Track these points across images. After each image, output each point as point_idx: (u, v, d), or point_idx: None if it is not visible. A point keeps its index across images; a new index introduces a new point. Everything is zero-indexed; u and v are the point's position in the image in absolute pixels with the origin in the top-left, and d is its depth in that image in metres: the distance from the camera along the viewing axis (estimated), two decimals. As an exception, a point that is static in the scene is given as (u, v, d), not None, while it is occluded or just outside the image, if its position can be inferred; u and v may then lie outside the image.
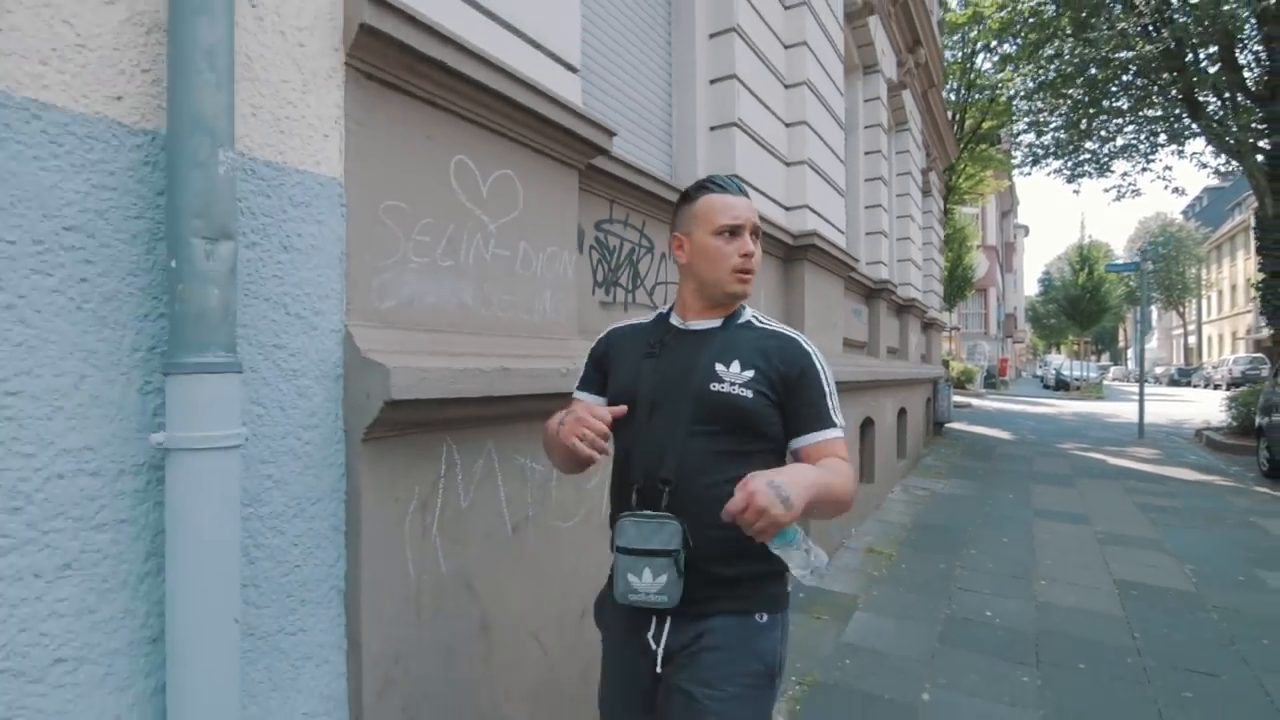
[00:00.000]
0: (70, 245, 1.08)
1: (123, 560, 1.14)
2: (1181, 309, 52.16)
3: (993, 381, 27.52)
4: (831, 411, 1.22)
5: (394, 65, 1.57)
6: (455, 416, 1.65)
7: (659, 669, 1.19)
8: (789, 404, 1.21)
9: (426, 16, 1.56)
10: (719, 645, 1.16)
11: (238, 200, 1.24)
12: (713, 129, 3.49)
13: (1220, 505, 6.39)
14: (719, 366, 1.20)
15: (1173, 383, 38.94)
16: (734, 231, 1.24)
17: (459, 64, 1.66)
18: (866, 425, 5.60)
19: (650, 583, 1.14)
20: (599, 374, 1.38)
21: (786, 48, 4.16)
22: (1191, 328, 51.58)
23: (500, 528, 1.85)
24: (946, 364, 13.76)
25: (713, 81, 3.50)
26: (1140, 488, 7.17)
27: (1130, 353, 59.52)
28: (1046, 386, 31.10)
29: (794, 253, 4.06)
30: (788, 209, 4.13)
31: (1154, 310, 59.34)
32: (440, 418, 1.61)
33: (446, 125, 1.74)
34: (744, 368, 1.20)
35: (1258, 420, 8.59)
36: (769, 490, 0.97)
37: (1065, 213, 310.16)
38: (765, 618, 1.20)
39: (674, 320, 1.33)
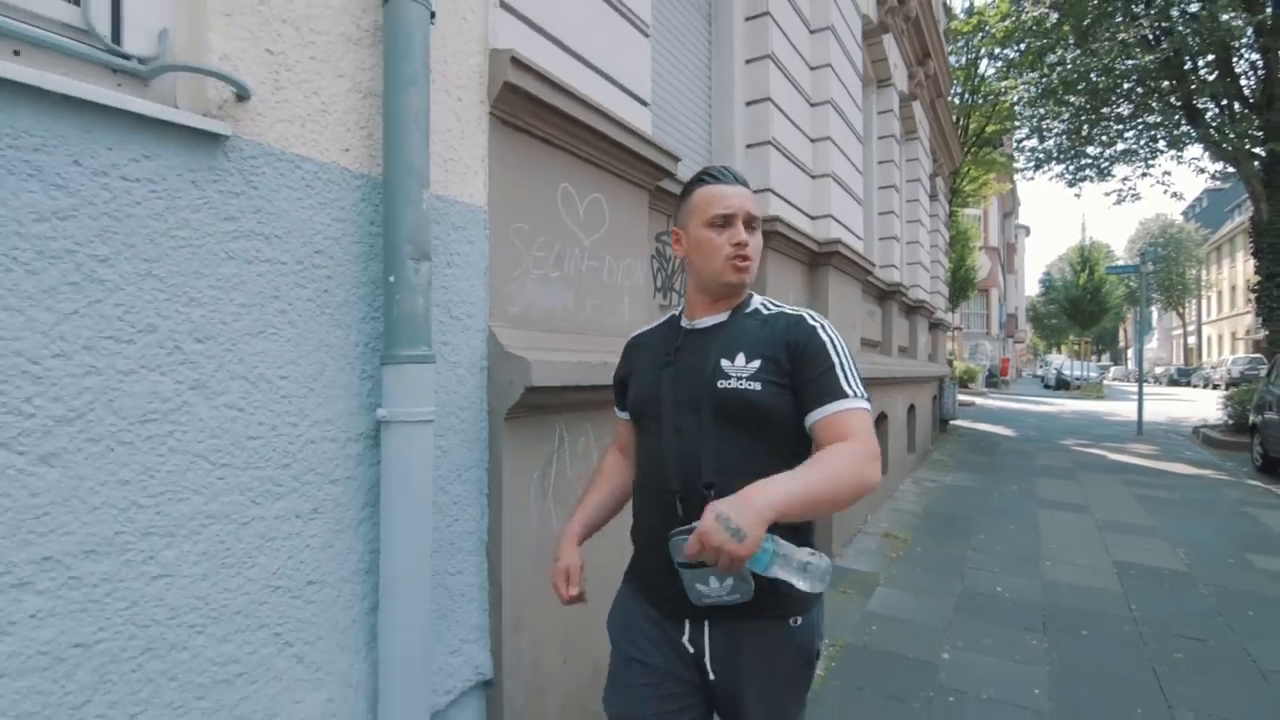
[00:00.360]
0: (318, 264, 1.42)
1: (349, 508, 1.48)
2: (1181, 309, 52.48)
3: (994, 381, 27.87)
4: (844, 380, 1.12)
5: (523, 112, 1.90)
6: (567, 401, 1.99)
7: (712, 676, 1.18)
8: (797, 381, 1.14)
9: (548, 71, 1.90)
10: (762, 657, 1.16)
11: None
12: (749, 147, 3.83)
13: (1214, 497, 6.73)
14: (725, 362, 1.17)
15: (1172, 383, 39.26)
16: (726, 221, 1.21)
17: (569, 108, 1.99)
18: (880, 420, 5.94)
19: (719, 586, 1.10)
20: (623, 391, 1.39)
21: (812, 69, 4.49)
22: (1191, 328, 51.93)
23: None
24: (950, 363, 14.09)
25: (749, 103, 3.84)
26: (1138, 481, 7.51)
27: (1130, 353, 59.88)
28: (1047, 386, 31.43)
29: (819, 259, 4.40)
30: (813, 218, 4.46)
31: (1154, 311, 59.68)
32: (557, 402, 1.95)
33: (555, 158, 2.08)
34: (749, 358, 1.16)
35: (1252, 418, 8.94)
36: (717, 525, 0.91)
37: (1066, 213, 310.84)
38: (799, 620, 1.18)
39: (683, 322, 1.31)
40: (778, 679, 1.17)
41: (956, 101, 16.07)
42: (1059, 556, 4.60)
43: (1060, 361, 36.29)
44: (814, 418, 1.12)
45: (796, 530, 1.12)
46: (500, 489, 1.81)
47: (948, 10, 13.83)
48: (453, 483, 1.72)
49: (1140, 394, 12.11)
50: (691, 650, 1.20)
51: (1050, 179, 15.29)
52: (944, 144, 10.88)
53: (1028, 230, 56.01)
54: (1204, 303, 49.72)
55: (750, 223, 1.22)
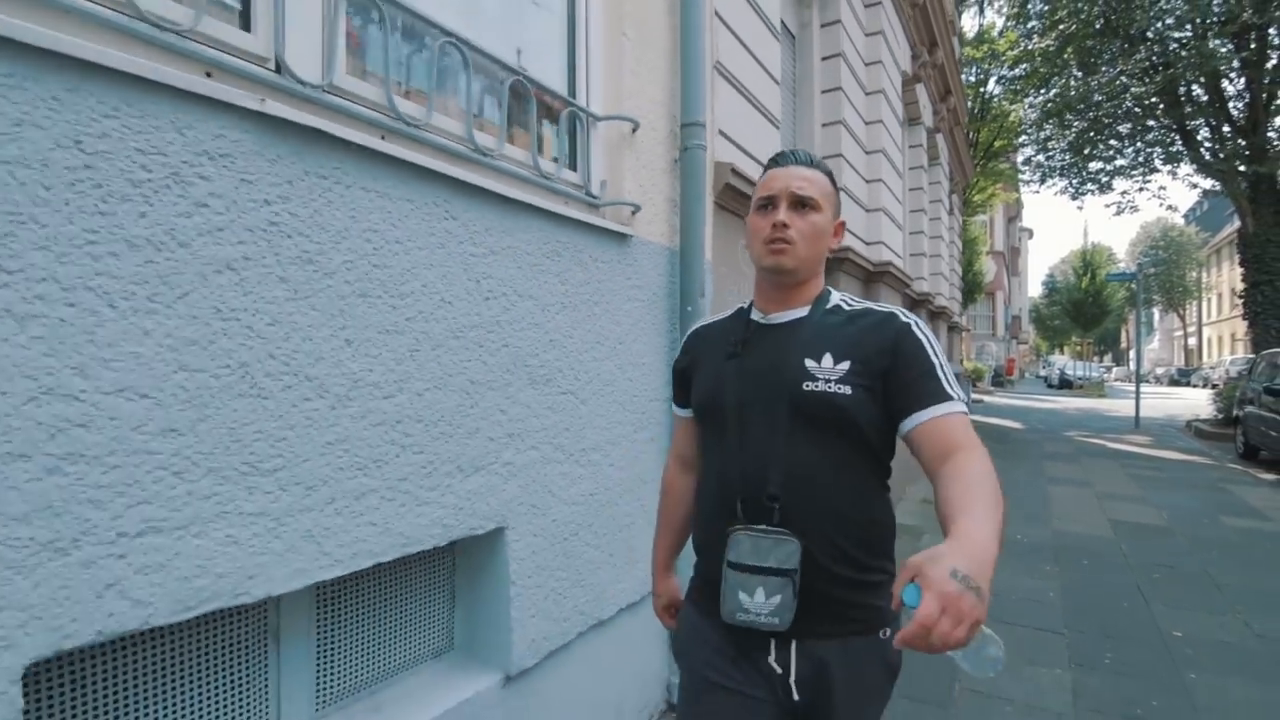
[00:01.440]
0: (654, 300, 2.52)
1: (664, 438, 2.58)
2: (1182, 311, 53.51)
3: (1000, 380, 28.95)
4: (945, 383, 1.05)
5: (725, 197, 3.01)
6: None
7: (796, 696, 1.10)
8: (892, 383, 1.06)
9: (740, 168, 3.00)
10: (855, 677, 1.10)
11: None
12: (825, 191, 4.93)
13: (1198, 476, 7.83)
14: (810, 362, 1.09)
15: (1173, 382, 40.28)
16: (769, 203, 1.15)
17: (745, 188, 3.10)
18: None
19: (762, 603, 1.06)
20: (683, 385, 1.32)
21: (867, 124, 5.60)
22: (1192, 329, 52.96)
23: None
24: (961, 362, 15.18)
25: (825, 157, 4.94)
26: (1133, 464, 8.61)
27: (1132, 353, 60.97)
28: (1051, 385, 32.46)
29: (873, 276, 5.50)
30: (868, 244, 5.57)
31: (1155, 312, 60.76)
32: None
33: (734, 222, 3.18)
34: (838, 359, 1.08)
35: (1235, 411, 10.02)
36: (959, 585, 0.72)
37: (1069, 215, 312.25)
38: (888, 632, 1.12)
39: (755, 315, 1.22)
40: (866, 694, 1.12)
41: (966, 119, 17.17)
42: (1065, 516, 5.71)
43: (1063, 362, 37.35)
44: (915, 421, 1.03)
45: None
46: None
47: (961, 36, 14.93)
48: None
49: (1137, 391, 13.19)
50: (779, 670, 1.11)
51: (1055, 193, 16.40)
52: (959, 164, 11.98)
53: (1031, 233, 57.05)
54: (1204, 304, 50.75)
55: (799, 203, 1.13)
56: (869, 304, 1.18)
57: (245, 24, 1.29)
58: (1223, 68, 11.52)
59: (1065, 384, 30.25)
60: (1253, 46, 10.92)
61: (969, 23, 17.60)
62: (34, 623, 0.94)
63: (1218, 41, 11.29)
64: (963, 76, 16.60)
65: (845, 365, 1.07)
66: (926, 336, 1.10)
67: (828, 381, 1.07)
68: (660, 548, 1.44)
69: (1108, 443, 10.73)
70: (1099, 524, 5.48)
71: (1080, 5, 12.20)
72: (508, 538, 1.80)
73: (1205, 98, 12.16)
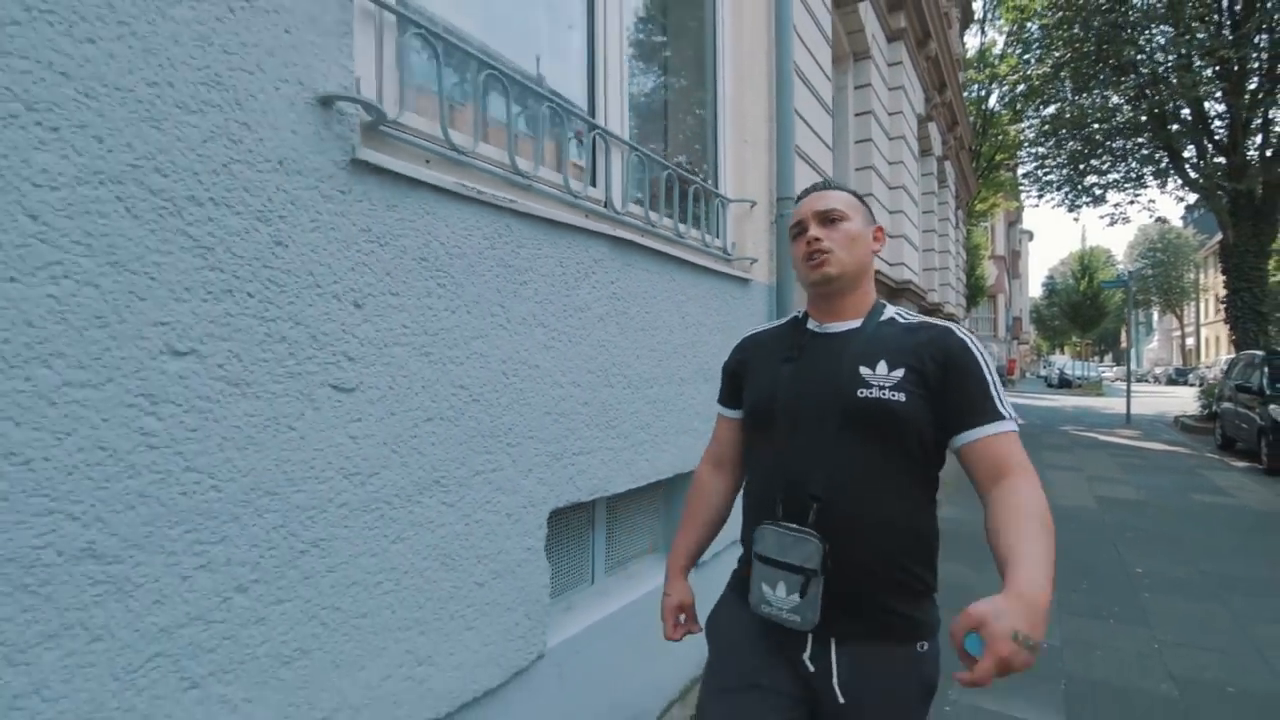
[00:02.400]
0: (760, 323, 3.58)
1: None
2: (1179, 312, 54.53)
3: (1002, 379, 30.01)
4: (998, 401, 1.07)
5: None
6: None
7: (841, 699, 1.10)
8: (946, 398, 1.09)
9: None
10: (891, 688, 1.11)
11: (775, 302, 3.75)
12: (858, 224, 6.00)
13: (1176, 463, 8.89)
14: (864, 370, 1.12)
15: (1171, 381, 41.34)
16: (800, 228, 1.24)
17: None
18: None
19: (783, 598, 1.10)
20: (734, 386, 1.37)
21: (890, 164, 6.66)
22: (1190, 330, 54.01)
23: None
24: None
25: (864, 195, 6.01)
26: (1120, 453, 9.68)
27: (1132, 353, 62.09)
28: (1050, 385, 33.52)
29: (895, 293, 6.56)
30: (891, 265, 6.63)
31: (1154, 313, 61.85)
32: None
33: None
34: (892, 367, 1.11)
35: (1214, 407, 11.09)
36: (1018, 647, 0.83)
37: (1068, 217, 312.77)
38: (926, 646, 1.13)
39: (810, 324, 1.27)
40: (898, 708, 1.12)
41: (970, 140, 18.26)
42: (1057, 492, 6.77)
43: (1063, 362, 38.41)
44: (968, 438, 1.08)
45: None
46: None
47: (964, 60, 16.00)
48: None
49: (1129, 389, 14.27)
50: (812, 669, 1.12)
51: (1052, 207, 17.44)
52: (964, 182, 13.05)
53: (1031, 235, 58.11)
54: (1201, 305, 51.79)
55: (826, 218, 1.21)
56: (924, 318, 1.22)
57: (593, 181, 2.36)
58: (1205, 91, 12.58)
59: (1065, 383, 31.31)
60: (1235, 70, 11.98)
61: (971, 40, 18.63)
62: (553, 492, 2.00)
63: (1200, 64, 12.36)
64: (965, 93, 17.69)
65: (900, 372, 1.10)
66: (981, 354, 1.12)
67: (882, 388, 1.09)
68: (680, 545, 1.41)
69: (1100, 436, 11.80)
70: (1086, 499, 6.55)
71: (1075, 33, 13.28)
72: (695, 477, 2.88)
73: (1190, 119, 13.22)
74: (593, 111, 2.40)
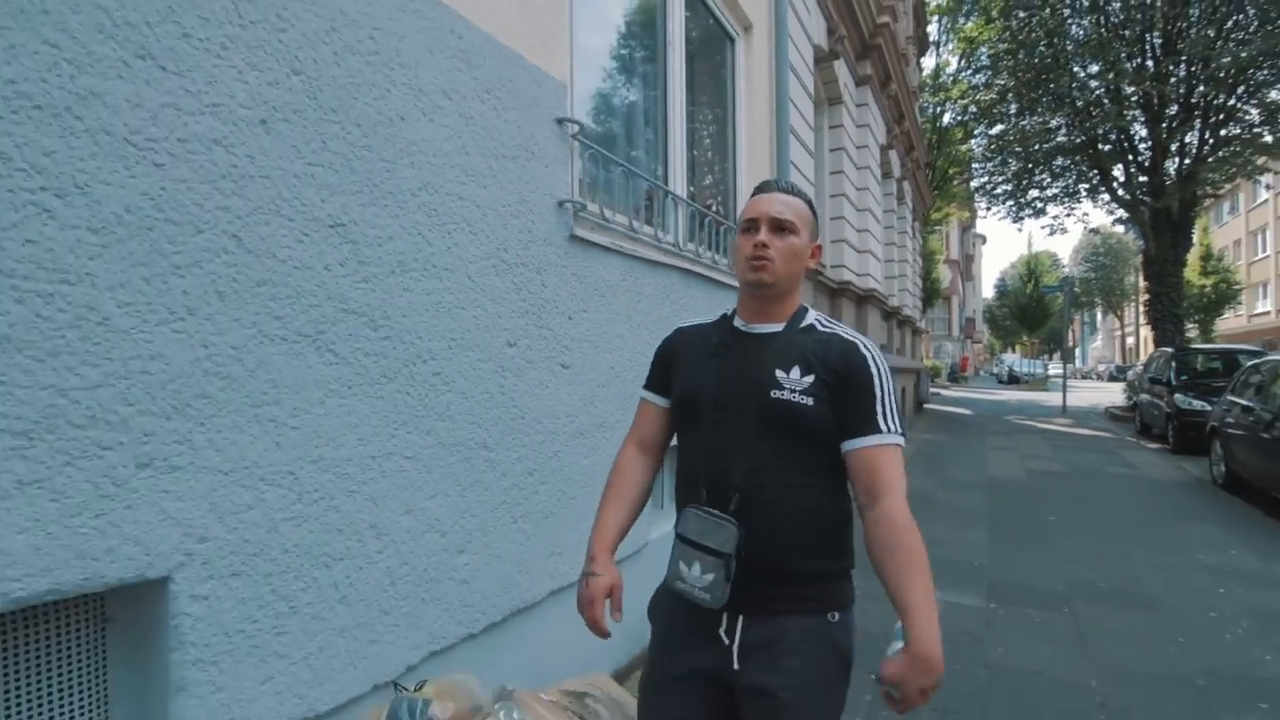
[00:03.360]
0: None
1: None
2: (1120, 312, 57.77)
3: (955, 376, 31.89)
4: (883, 416, 1.18)
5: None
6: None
7: (736, 665, 1.19)
8: (841, 405, 1.19)
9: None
10: (798, 649, 1.17)
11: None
12: (832, 241, 7.16)
13: (1099, 445, 10.32)
14: (779, 373, 1.20)
15: (1112, 378, 43.88)
16: (751, 225, 1.26)
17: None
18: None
19: (698, 577, 1.18)
20: (663, 373, 1.42)
21: (858, 190, 7.85)
22: (1130, 329, 57.20)
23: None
24: (923, 360, 17.69)
25: (831, 219, 7.17)
26: (1052, 437, 11.10)
27: (1078, 351, 65.51)
28: (1001, 381, 35.60)
29: (863, 300, 7.74)
30: (858, 275, 7.81)
31: (1099, 313, 65.32)
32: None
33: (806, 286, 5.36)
34: (804, 373, 1.19)
35: (1135, 398, 12.63)
36: (922, 697, 1.05)
37: (1014, 226, 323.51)
38: (837, 616, 1.21)
39: (736, 322, 1.33)
40: (813, 675, 1.18)
41: (925, 160, 19.75)
42: (996, 467, 8.06)
43: (1013, 360, 40.68)
44: (851, 445, 1.18)
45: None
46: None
47: (920, 85, 17.44)
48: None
49: (1064, 383, 15.88)
50: (727, 642, 1.20)
51: (999, 218, 19.08)
52: (920, 197, 14.42)
53: (984, 238, 60.88)
54: (1140, 306, 54.83)
55: (779, 226, 1.25)
56: (840, 330, 1.28)
57: (665, 230, 3.40)
58: (1130, 118, 14.18)
59: (1014, 379, 33.35)
60: (1155, 100, 13.57)
61: (927, 61, 20.16)
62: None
63: (1128, 93, 13.93)
64: (922, 111, 19.18)
65: (810, 379, 1.18)
66: (880, 370, 1.21)
67: (793, 391, 1.17)
68: (606, 523, 1.36)
69: (1038, 424, 13.28)
70: (1018, 471, 7.84)
71: (1020, 60, 14.77)
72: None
73: (1118, 142, 14.83)
74: (665, 180, 3.46)
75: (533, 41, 2.24)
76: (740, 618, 1.19)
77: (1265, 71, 12.68)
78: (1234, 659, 3.11)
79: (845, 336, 1.25)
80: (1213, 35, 12.68)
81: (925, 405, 15.38)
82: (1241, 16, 12.63)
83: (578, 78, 2.62)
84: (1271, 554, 4.74)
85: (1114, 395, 22.97)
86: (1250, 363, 7.64)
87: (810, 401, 1.17)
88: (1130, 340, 57.28)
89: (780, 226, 1.24)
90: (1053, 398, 22.09)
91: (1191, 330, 34.82)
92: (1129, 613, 3.66)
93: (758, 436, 1.19)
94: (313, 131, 1.48)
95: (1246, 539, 5.13)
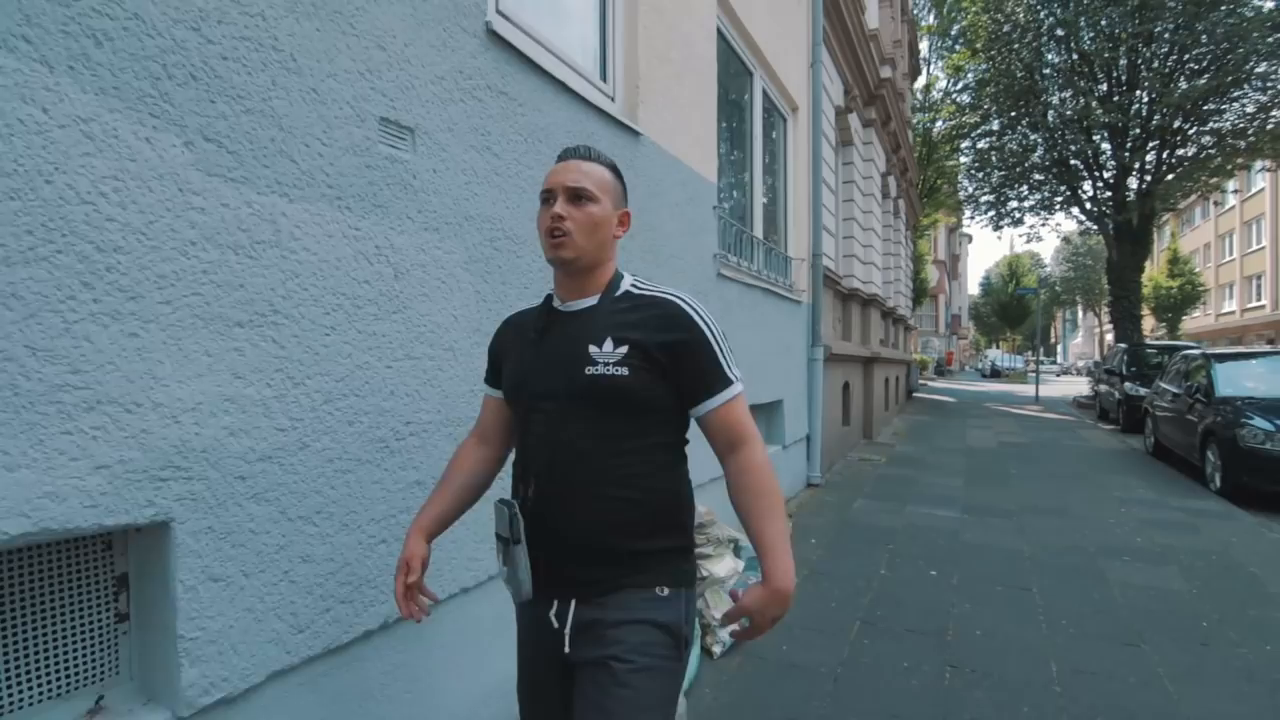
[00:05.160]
0: (802, 327, 6.40)
1: (804, 385, 6.47)
2: (1098, 310, 60.14)
3: (941, 370, 33.90)
4: (726, 368, 1.18)
5: (826, 281, 6.90)
6: (844, 358, 6.99)
7: (567, 649, 1.15)
8: (680, 372, 1.17)
9: (829, 267, 6.89)
10: (623, 620, 1.14)
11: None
12: (844, 257, 8.90)
13: (1061, 425, 12.18)
14: (593, 348, 1.16)
15: (1089, 373, 46.20)
16: (548, 197, 1.21)
17: (833, 276, 6.99)
18: (881, 383, 11.09)
19: (501, 568, 1.19)
20: (495, 367, 1.38)
21: (863, 213, 9.58)
22: (1108, 326, 59.44)
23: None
24: (911, 354, 19.53)
25: (845, 237, 8.91)
26: (1024, 419, 12.96)
27: (1060, 347, 67.97)
28: (984, 375, 37.65)
29: (868, 302, 9.48)
30: (864, 282, 9.55)
31: (1079, 310, 67.78)
32: (841, 358, 6.96)
33: (829, 288, 7.08)
34: (617, 344, 1.15)
35: (1095, 388, 14.52)
36: (771, 625, 1.13)
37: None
38: (667, 591, 1.18)
39: (555, 303, 1.28)
40: (637, 643, 1.13)
41: (917, 178, 21.53)
42: (973, 441, 9.87)
43: (995, 355, 42.80)
44: (703, 410, 1.18)
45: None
46: (819, 396, 6.80)
47: (912, 109, 19.21)
48: (800, 391, 6.74)
49: (1037, 375, 17.85)
50: (556, 625, 1.18)
51: (981, 227, 20.91)
52: (912, 209, 16.21)
53: (970, 238, 62.86)
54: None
55: (575, 195, 1.19)
56: (656, 290, 1.23)
57: (751, 262, 5.11)
58: (1097, 140, 16.00)
59: (996, 373, 35.40)
60: (1119, 124, 15.40)
61: (918, 80, 21.95)
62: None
63: (1096, 116, 15.75)
64: (913, 126, 20.94)
65: (624, 349, 1.14)
66: (707, 320, 1.18)
67: (607, 364, 1.13)
68: (426, 508, 1.35)
69: (1013, 410, 15.15)
70: (991, 444, 9.66)
71: (1001, 87, 16.55)
72: (785, 407, 5.68)
73: (1087, 160, 16.67)
74: (751, 227, 5.16)
75: (702, 161, 3.93)
76: (572, 603, 1.17)
77: (1213, 104, 14.52)
78: (1115, 540, 4.88)
79: (662, 297, 1.22)
80: (1170, 67, 14.48)
81: (915, 394, 17.22)
82: (1199, 50, 14.43)
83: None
84: (1167, 493, 6.54)
85: (1084, 386, 25.00)
86: (1180, 355, 9.46)
87: (625, 372, 1.14)
88: (1110, 337, 59.52)
89: (578, 195, 1.20)
90: (1029, 389, 24.09)
91: (1161, 329, 37.07)
92: (1056, 519, 5.43)
93: (569, 420, 1.16)
94: (633, 244, 3.18)
95: (1152, 485, 6.93)
